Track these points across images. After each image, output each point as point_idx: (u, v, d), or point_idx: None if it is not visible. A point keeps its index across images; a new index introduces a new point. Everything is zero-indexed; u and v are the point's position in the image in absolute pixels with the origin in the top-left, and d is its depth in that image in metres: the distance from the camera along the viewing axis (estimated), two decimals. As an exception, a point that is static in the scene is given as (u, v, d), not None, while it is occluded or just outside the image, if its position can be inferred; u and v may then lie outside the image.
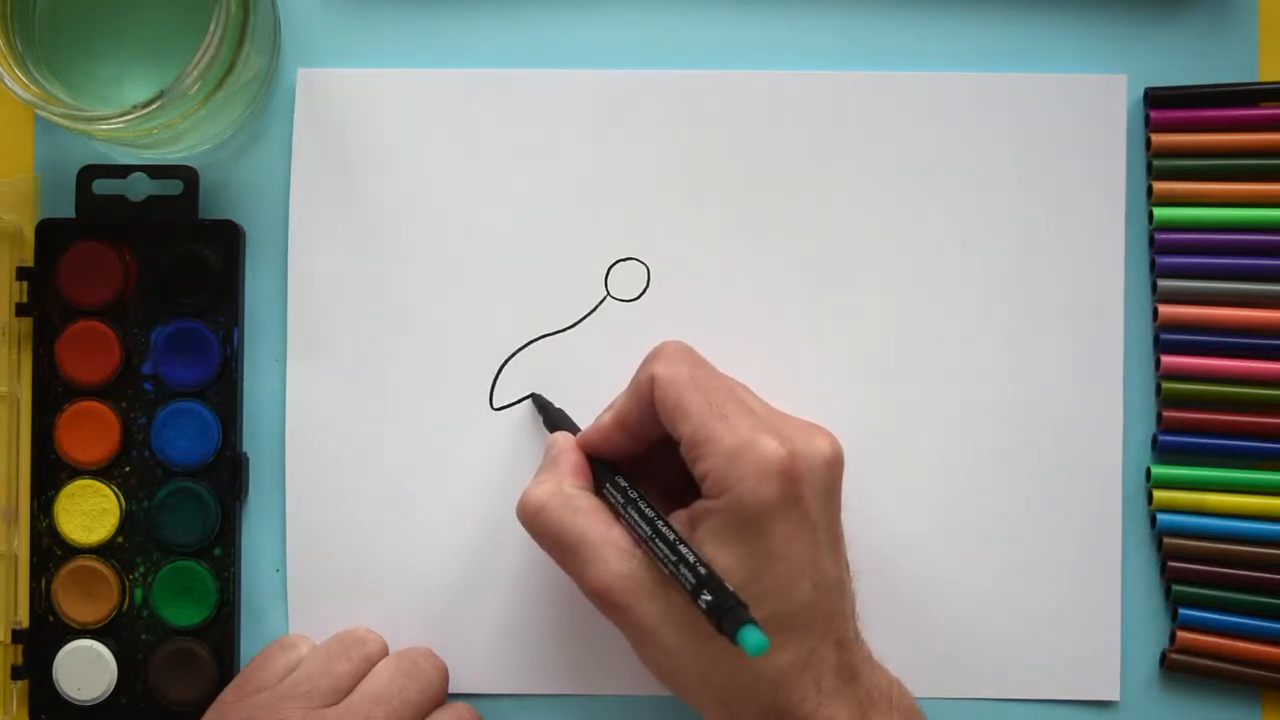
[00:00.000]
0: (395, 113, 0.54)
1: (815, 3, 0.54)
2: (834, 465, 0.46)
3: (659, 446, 0.49)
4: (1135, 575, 0.54)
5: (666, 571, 0.45)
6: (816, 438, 0.46)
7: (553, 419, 0.52)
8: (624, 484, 0.48)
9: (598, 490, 0.49)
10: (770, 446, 0.44)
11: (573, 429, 0.51)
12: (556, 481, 0.48)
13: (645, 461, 0.50)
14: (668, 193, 0.54)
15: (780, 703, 0.45)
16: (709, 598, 0.43)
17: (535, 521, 0.48)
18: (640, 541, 0.46)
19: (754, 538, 0.44)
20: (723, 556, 0.44)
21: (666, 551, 0.45)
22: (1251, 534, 0.53)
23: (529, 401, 0.53)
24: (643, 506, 0.47)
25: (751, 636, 0.41)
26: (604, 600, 0.46)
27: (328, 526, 0.54)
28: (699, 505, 0.46)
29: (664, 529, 0.45)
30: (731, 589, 0.43)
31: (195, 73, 0.47)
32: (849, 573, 0.47)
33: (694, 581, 0.43)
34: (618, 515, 0.47)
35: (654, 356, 0.48)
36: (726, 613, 0.42)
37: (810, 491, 0.45)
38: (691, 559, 0.44)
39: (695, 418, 0.46)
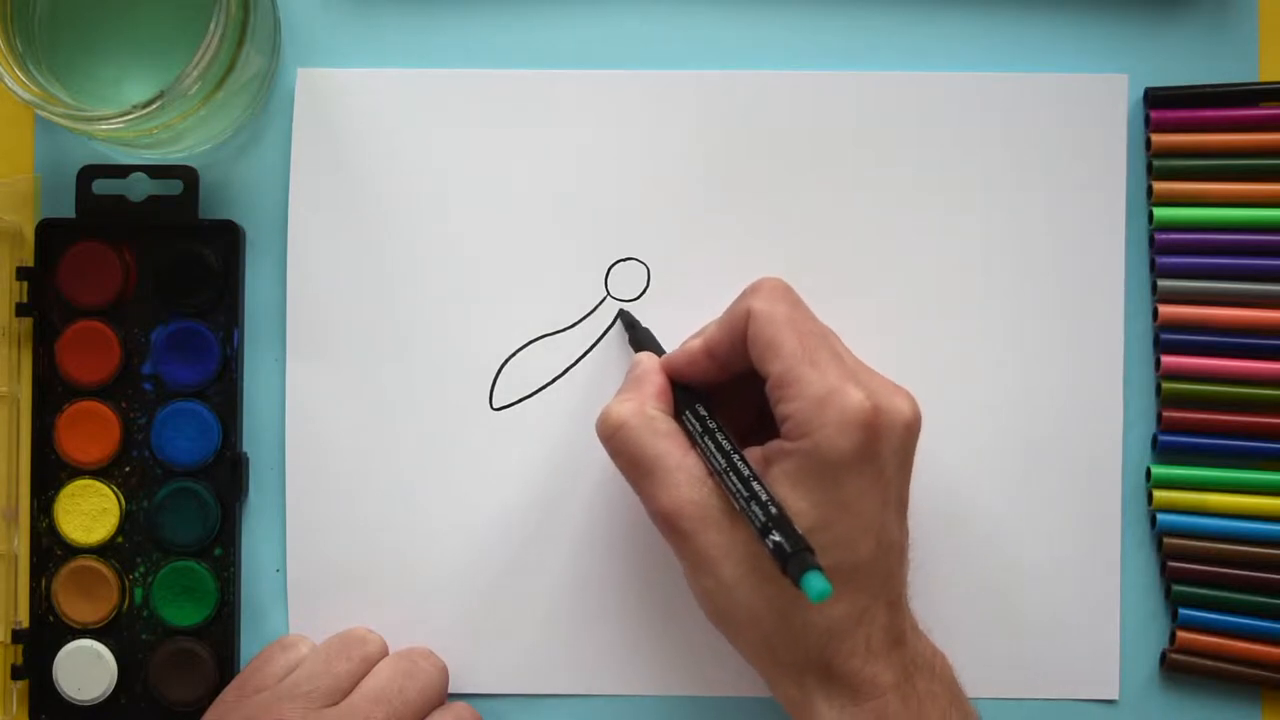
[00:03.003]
0: (395, 113, 0.54)
1: (815, 3, 0.54)
2: (912, 427, 0.46)
3: (738, 381, 0.49)
4: (1135, 575, 0.54)
5: (737, 505, 0.45)
6: (899, 397, 0.46)
7: (639, 339, 0.52)
8: (703, 413, 0.48)
9: (676, 416, 0.48)
10: (856, 398, 0.44)
11: (658, 350, 0.51)
12: (639, 401, 0.48)
13: (721, 393, 0.49)
14: (668, 193, 0.54)
15: (828, 655, 0.45)
16: (777, 538, 0.43)
17: (615, 437, 0.48)
18: (713, 472, 0.46)
19: (828, 486, 0.44)
20: (794, 499, 0.44)
21: (739, 486, 0.45)
22: (1251, 534, 0.53)
23: (530, 400, 0.53)
24: (720, 438, 0.46)
25: (815, 582, 0.41)
26: (670, 524, 0.46)
27: (328, 526, 0.54)
28: (776, 445, 0.46)
29: (739, 463, 0.45)
30: (800, 532, 0.43)
31: (195, 73, 0.47)
32: (908, 538, 0.48)
33: (763, 519, 0.43)
34: (693, 443, 0.47)
35: (752, 291, 0.48)
36: (793, 555, 0.42)
37: (888, 449, 0.45)
38: (764, 497, 0.44)
39: (786, 358, 0.46)
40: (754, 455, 0.46)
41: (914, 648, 0.47)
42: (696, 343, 0.49)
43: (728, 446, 0.46)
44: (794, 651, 0.46)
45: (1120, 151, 0.54)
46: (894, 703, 0.45)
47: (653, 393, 0.49)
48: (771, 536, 0.43)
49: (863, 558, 0.45)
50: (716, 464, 0.46)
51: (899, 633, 0.46)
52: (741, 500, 0.44)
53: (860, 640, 0.45)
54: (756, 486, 0.44)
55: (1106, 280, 0.54)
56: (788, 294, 0.48)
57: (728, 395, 0.49)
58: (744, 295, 0.48)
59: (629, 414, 0.47)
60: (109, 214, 0.53)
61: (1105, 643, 0.53)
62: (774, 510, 0.43)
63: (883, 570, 0.46)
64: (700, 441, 0.47)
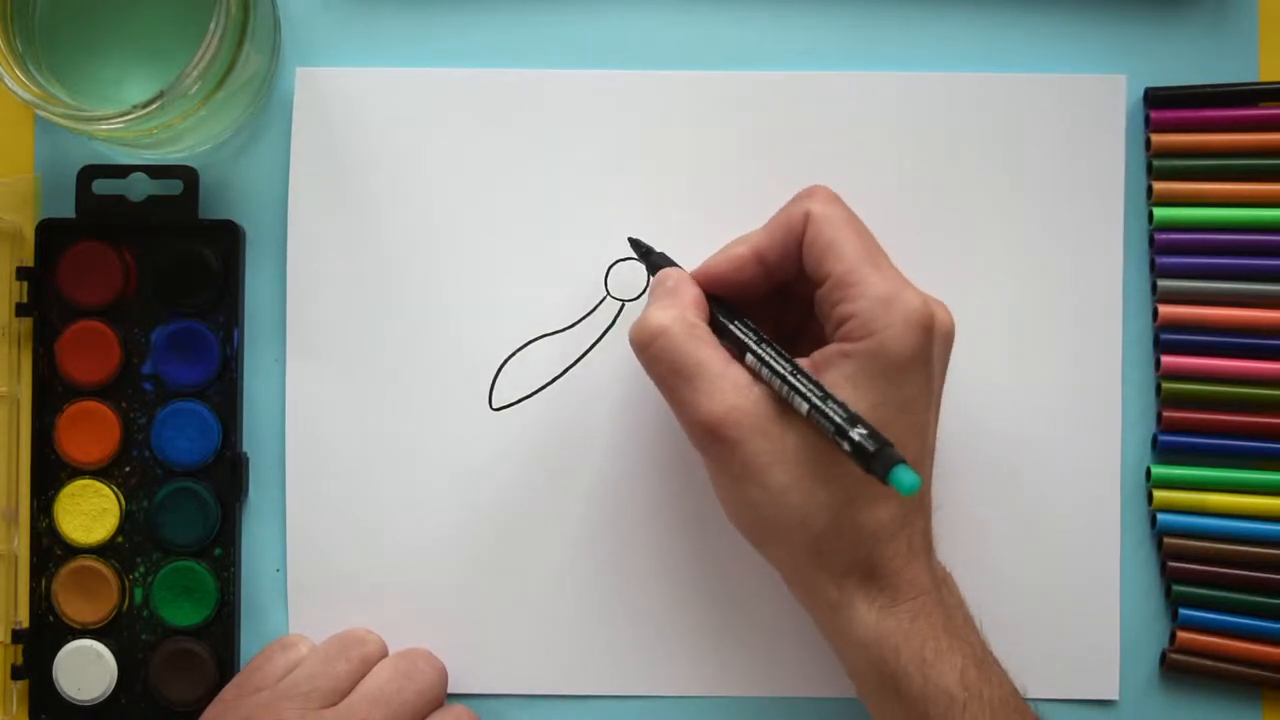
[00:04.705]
0: (395, 113, 0.54)
1: (815, 3, 0.54)
2: (951, 338, 0.47)
3: (762, 300, 0.49)
4: (1135, 575, 0.54)
5: (805, 407, 0.44)
6: (940, 307, 0.47)
7: (656, 263, 0.51)
8: (752, 324, 0.48)
9: (714, 328, 0.48)
10: (917, 300, 0.45)
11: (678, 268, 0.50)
12: (679, 309, 0.47)
13: (745, 311, 0.49)
14: (668, 192, 0.54)
15: (875, 557, 0.46)
16: (861, 433, 0.43)
17: (655, 344, 0.46)
18: (770, 378, 0.45)
19: (888, 387, 0.45)
20: (857, 400, 0.44)
21: (811, 387, 0.44)
22: (1251, 534, 0.53)
23: (529, 400, 0.53)
24: (776, 346, 0.46)
25: (905, 475, 0.41)
26: (715, 433, 0.45)
27: (328, 526, 0.54)
28: (833, 349, 0.46)
29: (803, 368, 0.45)
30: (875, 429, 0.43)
31: (195, 73, 0.47)
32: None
33: (844, 415, 0.43)
34: (742, 352, 0.47)
35: (807, 195, 0.48)
36: (878, 451, 0.42)
37: (938, 352, 0.46)
38: (839, 397, 0.44)
39: (849, 258, 0.46)
40: (803, 365, 0.46)
41: (935, 559, 0.48)
42: (742, 249, 0.48)
43: (786, 353, 0.46)
44: (840, 555, 0.46)
45: (1119, 152, 0.54)
46: (929, 604, 0.46)
47: (691, 302, 0.48)
48: (856, 431, 0.43)
49: (911, 460, 0.44)
50: (779, 368, 0.45)
51: (929, 541, 0.47)
52: (815, 399, 0.44)
53: (903, 543, 0.46)
54: (827, 387, 0.44)
55: (1106, 280, 0.54)
56: (840, 199, 0.48)
57: (750, 315, 0.49)
58: (797, 200, 0.48)
59: (670, 320, 0.46)
60: (109, 214, 0.53)
61: (1105, 643, 0.53)
62: (850, 410, 0.43)
63: (925, 476, 0.46)
64: (756, 348, 0.46)
